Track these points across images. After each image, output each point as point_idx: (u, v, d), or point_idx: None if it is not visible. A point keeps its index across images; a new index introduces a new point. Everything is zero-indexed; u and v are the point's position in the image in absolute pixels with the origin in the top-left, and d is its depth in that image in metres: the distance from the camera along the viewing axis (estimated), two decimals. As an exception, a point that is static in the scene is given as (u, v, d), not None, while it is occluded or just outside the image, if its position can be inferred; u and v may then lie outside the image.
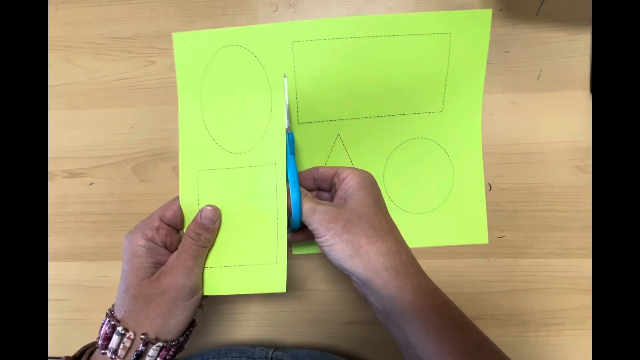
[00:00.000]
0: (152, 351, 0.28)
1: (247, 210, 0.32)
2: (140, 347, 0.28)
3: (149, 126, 0.41)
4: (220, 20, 0.40)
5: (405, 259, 0.27)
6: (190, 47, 0.33)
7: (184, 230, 0.32)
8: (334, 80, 0.36)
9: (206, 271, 0.32)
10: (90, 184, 0.42)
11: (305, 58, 0.35)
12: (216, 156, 0.33)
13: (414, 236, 0.39)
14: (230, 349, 0.38)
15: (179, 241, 0.31)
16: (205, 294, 0.32)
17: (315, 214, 0.28)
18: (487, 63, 0.37)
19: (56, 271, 0.42)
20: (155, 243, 0.30)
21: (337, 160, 0.38)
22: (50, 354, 0.41)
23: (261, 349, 0.38)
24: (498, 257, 0.39)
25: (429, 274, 0.39)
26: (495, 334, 0.39)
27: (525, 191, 0.38)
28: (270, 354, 0.37)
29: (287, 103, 0.32)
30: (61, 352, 0.42)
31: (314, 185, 0.34)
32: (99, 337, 0.29)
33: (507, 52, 0.38)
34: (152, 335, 0.28)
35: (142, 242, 0.29)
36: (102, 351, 0.28)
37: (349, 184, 0.30)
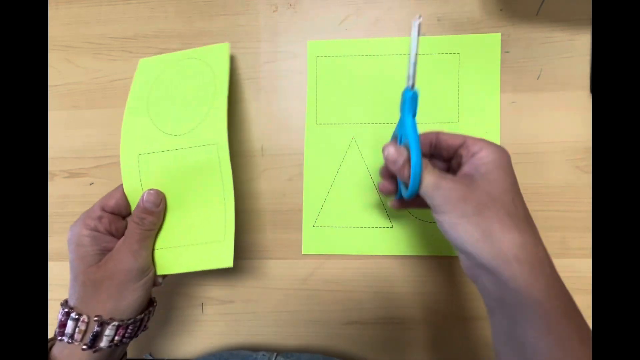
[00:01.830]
0: (108, 331, 0.29)
1: (193, 191, 0.33)
2: (96, 329, 0.29)
3: (149, 126, 0.41)
4: (220, 20, 0.40)
5: (542, 254, 0.25)
6: (152, 65, 0.37)
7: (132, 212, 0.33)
8: (352, 90, 0.39)
9: (156, 252, 0.33)
10: (90, 184, 0.42)
11: (327, 70, 0.39)
12: (156, 139, 0.33)
13: (431, 246, 0.39)
14: (232, 354, 0.38)
15: (124, 227, 0.32)
16: (158, 273, 0.33)
17: (440, 190, 0.25)
18: (487, 63, 0.37)
19: (56, 271, 0.42)
20: (99, 232, 0.31)
21: (351, 162, 0.39)
22: (50, 354, 0.42)
23: (264, 354, 0.38)
24: (498, 257, 0.39)
25: (429, 273, 0.39)
26: (495, 334, 0.39)
27: (525, 191, 0.38)
28: (273, 358, 0.37)
29: (415, 52, 0.26)
30: (61, 352, 0.42)
31: (429, 152, 0.31)
32: (56, 328, 0.29)
33: (507, 52, 0.38)
34: (106, 317, 0.29)
35: (85, 232, 0.30)
36: (60, 338, 0.29)
37: (483, 161, 0.26)
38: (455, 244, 0.26)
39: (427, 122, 0.39)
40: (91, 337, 0.29)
